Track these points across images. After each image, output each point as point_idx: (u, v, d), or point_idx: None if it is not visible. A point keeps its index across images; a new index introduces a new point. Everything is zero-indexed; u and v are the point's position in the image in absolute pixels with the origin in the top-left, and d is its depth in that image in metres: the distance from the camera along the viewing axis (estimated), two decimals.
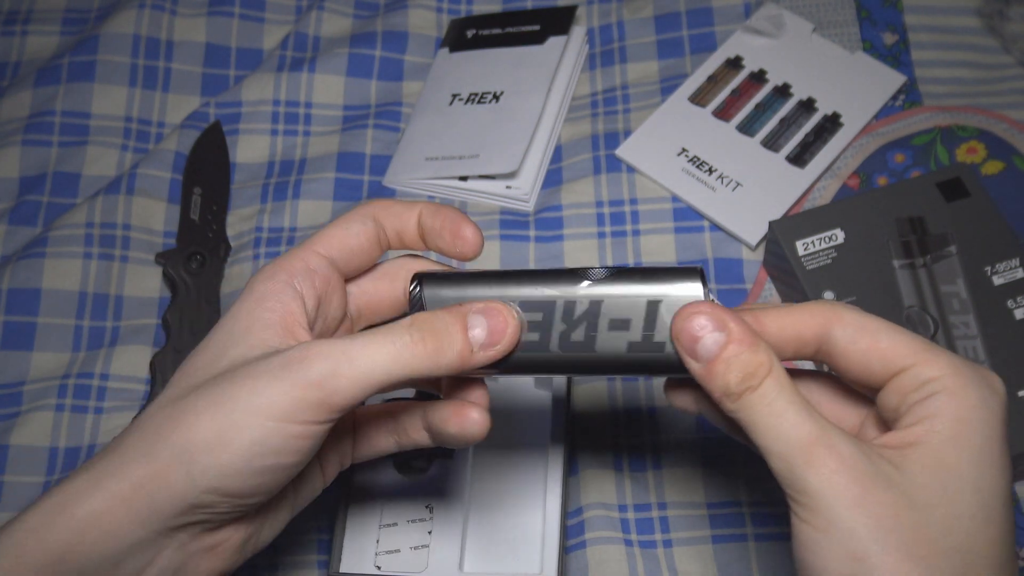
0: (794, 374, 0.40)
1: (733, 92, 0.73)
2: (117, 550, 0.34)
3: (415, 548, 0.57)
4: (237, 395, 0.35)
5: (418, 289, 0.40)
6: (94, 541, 0.34)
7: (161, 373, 0.64)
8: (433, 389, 0.49)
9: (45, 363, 0.66)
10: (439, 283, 0.40)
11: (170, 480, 0.34)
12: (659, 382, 0.64)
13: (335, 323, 0.44)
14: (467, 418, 0.40)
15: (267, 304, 0.39)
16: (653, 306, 0.37)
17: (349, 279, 0.45)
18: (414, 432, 0.43)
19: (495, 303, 0.37)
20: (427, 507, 0.58)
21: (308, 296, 0.40)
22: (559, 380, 0.62)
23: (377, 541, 0.57)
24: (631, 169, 0.72)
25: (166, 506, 0.34)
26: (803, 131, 0.71)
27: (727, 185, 0.70)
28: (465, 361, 0.36)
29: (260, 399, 0.34)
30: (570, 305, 0.38)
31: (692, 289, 0.37)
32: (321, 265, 0.41)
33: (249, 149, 0.75)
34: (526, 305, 0.38)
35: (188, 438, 0.35)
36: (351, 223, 0.42)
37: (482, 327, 0.37)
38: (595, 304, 0.38)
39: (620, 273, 0.38)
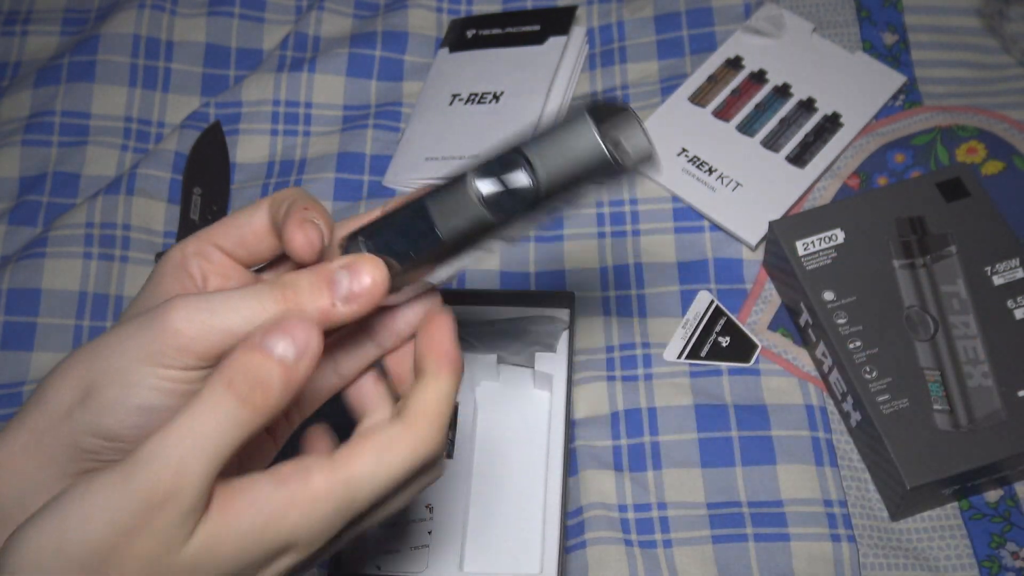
0: None
1: (733, 92, 0.73)
2: (21, 491, 0.36)
3: (415, 548, 0.57)
4: (110, 343, 0.36)
5: (344, 247, 0.39)
6: (5, 482, 0.37)
7: None
8: None
9: (45, 363, 0.66)
10: (360, 233, 0.39)
11: (56, 426, 0.36)
12: (660, 382, 0.64)
13: None
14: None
15: (163, 286, 0.40)
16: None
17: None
18: (354, 358, 0.42)
19: (358, 259, 0.37)
20: (427, 507, 0.58)
21: (200, 281, 0.40)
22: (559, 380, 0.62)
23: (377, 541, 0.57)
24: None
25: (56, 451, 0.36)
26: (803, 131, 0.71)
27: (727, 185, 0.69)
28: (328, 316, 0.36)
29: (128, 342, 0.35)
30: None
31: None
32: (213, 254, 0.41)
33: (249, 149, 0.75)
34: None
35: (71, 385, 0.36)
36: (240, 213, 0.41)
37: (346, 282, 0.36)
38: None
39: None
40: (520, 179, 0.35)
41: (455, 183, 0.36)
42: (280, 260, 0.43)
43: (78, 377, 0.36)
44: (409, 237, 0.37)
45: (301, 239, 0.38)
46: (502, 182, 0.36)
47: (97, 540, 0.31)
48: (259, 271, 0.44)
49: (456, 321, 0.39)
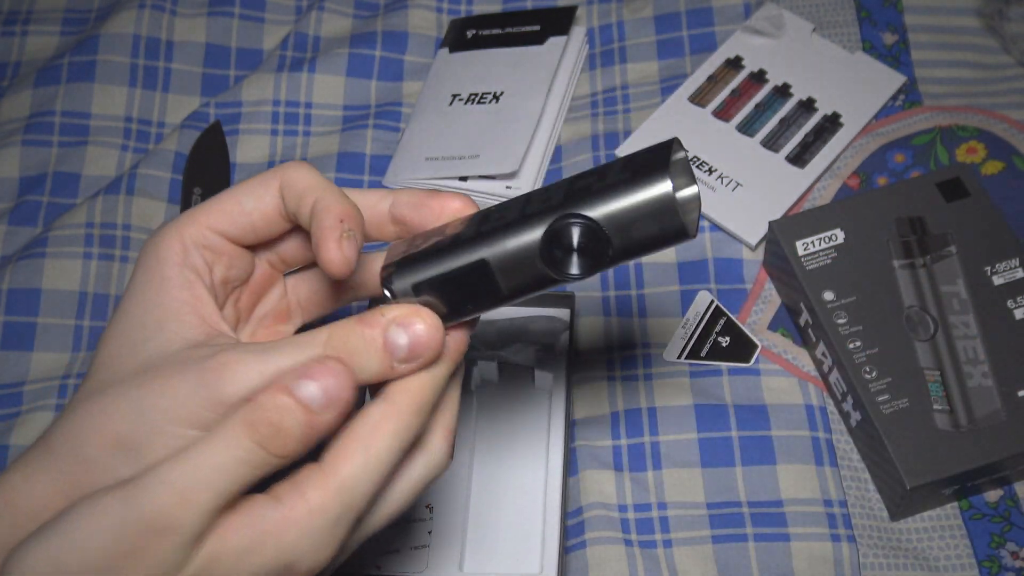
0: None
1: (733, 92, 0.73)
2: None
3: (415, 548, 0.57)
4: (155, 402, 0.34)
5: (389, 282, 0.37)
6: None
7: None
8: None
9: (45, 363, 0.66)
10: (408, 271, 0.37)
11: (95, 479, 0.34)
12: (660, 382, 0.64)
13: (273, 314, 0.42)
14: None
15: (173, 292, 0.37)
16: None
17: (290, 269, 0.43)
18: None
19: (416, 312, 0.35)
20: (427, 507, 0.58)
21: (207, 275, 0.38)
22: (559, 380, 0.62)
23: (377, 541, 0.57)
24: None
25: None
26: (803, 131, 0.71)
27: (727, 185, 0.70)
28: (387, 375, 0.35)
29: (178, 407, 0.33)
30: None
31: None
32: (216, 241, 0.38)
33: (249, 149, 0.75)
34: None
35: (111, 441, 0.34)
36: (243, 194, 0.38)
37: (404, 339, 0.34)
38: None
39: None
40: (594, 250, 0.34)
41: (522, 244, 0.35)
42: (289, 235, 0.41)
43: (118, 434, 0.34)
44: (465, 289, 0.36)
45: (339, 258, 0.36)
46: (575, 250, 0.34)
47: (96, 560, 0.31)
48: (287, 273, 0.43)
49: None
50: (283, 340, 0.35)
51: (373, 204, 0.40)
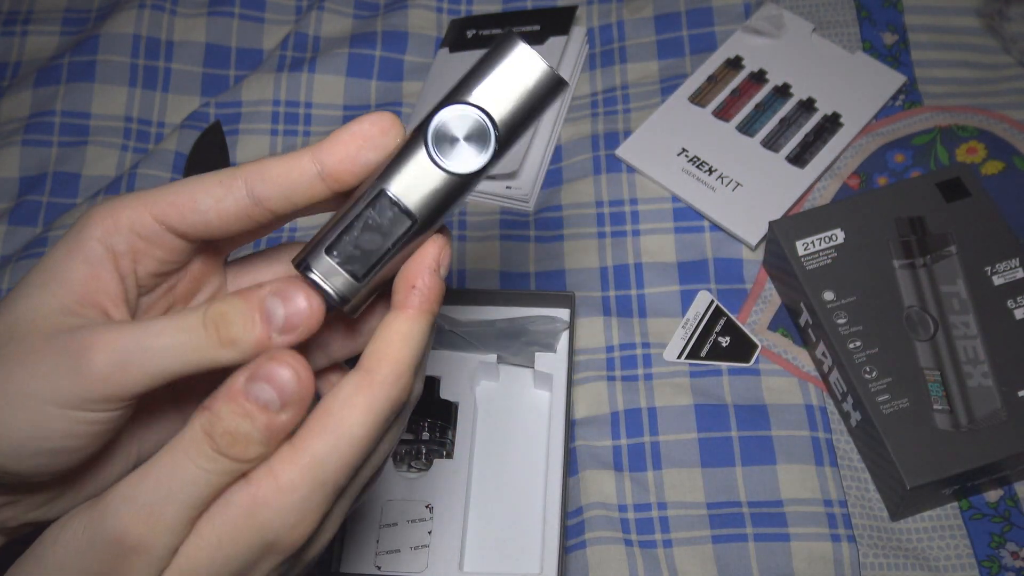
0: None
1: (733, 92, 0.73)
2: None
3: (415, 548, 0.57)
4: (19, 375, 0.32)
5: (302, 262, 0.36)
6: None
7: None
8: None
9: None
10: (319, 243, 0.36)
11: None
12: (660, 382, 0.64)
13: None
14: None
15: (74, 262, 0.35)
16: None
17: (231, 258, 0.41)
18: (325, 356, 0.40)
19: (290, 284, 0.34)
20: (427, 507, 0.58)
21: (127, 261, 0.35)
22: (559, 380, 0.62)
23: (377, 541, 0.57)
24: (631, 169, 0.72)
25: None
26: (803, 131, 0.71)
27: (727, 185, 0.69)
28: (264, 346, 0.33)
29: (41, 384, 0.32)
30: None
31: None
32: (156, 233, 0.35)
33: (249, 149, 0.75)
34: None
35: None
36: (201, 195, 0.36)
37: (280, 310, 0.33)
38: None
39: None
40: (479, 129, 0.35)
41: (410, 158, 0.35)
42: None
43: None
44: (379, 231, 0.35)
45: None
46: (463, 138, 0.35)
47: None
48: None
49: (449, 247, 0.37)
50: (159, 317, 0.33)
51: (299, 168, 0.36)
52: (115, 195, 0.37)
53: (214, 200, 0.36)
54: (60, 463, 0.34)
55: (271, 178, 0.36)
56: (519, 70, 0.34)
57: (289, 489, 0.32)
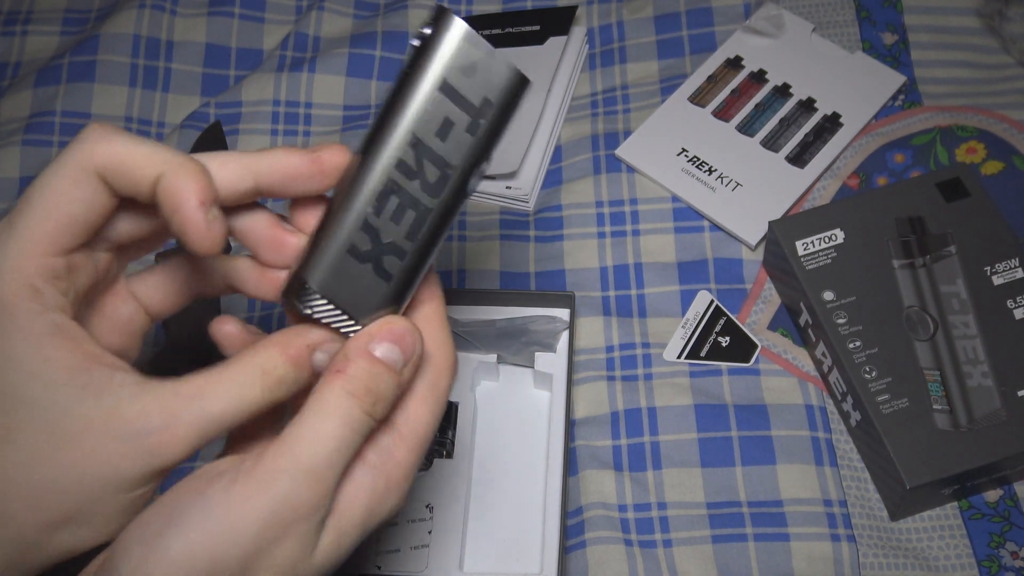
0: None
1: (733, 92, 0.74)
2: None
3: (415, 548, 0.57)
4: (94, 471, 0.32)
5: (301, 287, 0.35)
6: None
7: (161, 374, 0.64)
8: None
9: None
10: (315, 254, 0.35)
11: (34, 558, 0.33)
12: (660, 382, 0.64)
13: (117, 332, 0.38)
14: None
15: (46, 352, 0.32)
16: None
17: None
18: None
19: (343, 341, 0.35)
20: (427, 507, 0.58)
21: (69, 305, 0.34)
22: (559, 380, 0.62)
23: (377, 541, 0.58)
24: (631, 169, 0.72)
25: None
26: (803, 131, 0.71)
27: (727, 185, 0.70)
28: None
29: (117, 476, 0.32)
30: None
31: None
32: (61, 265, 0.33)
33: (249, 149, 0.75)
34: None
35: (53, 519, 0.32)
36: (69, 206, 0.33)
37: (327, 355, 0.35)
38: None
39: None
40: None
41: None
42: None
43: (61, 512, 0.32)
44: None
45: (206, 233, 0.33)
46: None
47: (246, 550, 0.32)
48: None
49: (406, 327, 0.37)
50: (206, 378, 0.33)
51: (231, 183, 0.35)
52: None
53: (83, 205, 0.33)
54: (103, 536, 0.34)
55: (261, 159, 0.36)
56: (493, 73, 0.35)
57: (405, 464, 0.35)
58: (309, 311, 0.35)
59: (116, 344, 0.38)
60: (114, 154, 0.33)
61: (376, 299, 0.35)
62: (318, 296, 0.35)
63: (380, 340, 0.35)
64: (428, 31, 0.34)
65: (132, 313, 0.39)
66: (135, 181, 0.33)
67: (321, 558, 0.33)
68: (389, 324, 0.35)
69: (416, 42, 0.34)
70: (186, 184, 0.32)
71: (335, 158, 0.36)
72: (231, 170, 0.34)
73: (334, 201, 0.35)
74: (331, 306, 0.35)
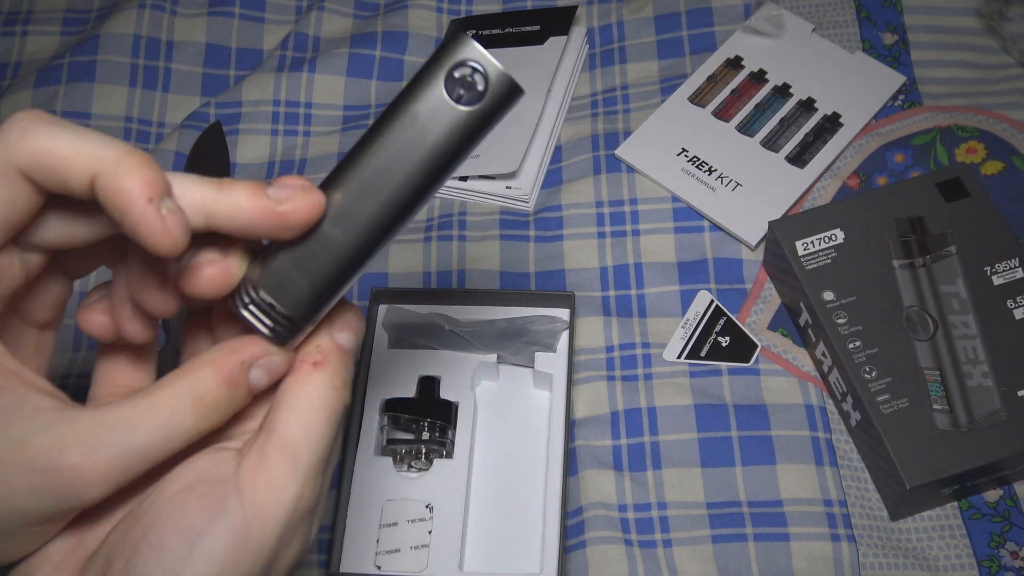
0: None
1: (733, 92, 0.73)
2: None
3: (415, 548, 0.57)
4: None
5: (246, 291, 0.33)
6: None
7: (160, 374, 0.64)
8: None
9: None
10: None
11: None
12: (660, 382, 0.64)
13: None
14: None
15: None
16: None
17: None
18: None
19: (278, 356, 0.33)
20: (427, 507, 0.58)
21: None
22: (559, 380, 0.62)
23: (377, 541, 0.57)
24: (631, 169, 0.72)
25: None
26: (803, 131, 0.71)
27: (727, 185, 0.70)
28: (243, 403, 0.33)
29: (30, 516, 0.30)
30: None
31: None
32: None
33: (249, 149, 0.75)
34: None
35: None
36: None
37: (265, 380, 0.33)
38: None
39: None
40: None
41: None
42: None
43: None
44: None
45: (162, 229, 0.29)
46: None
47: (267, 560, 0.31)
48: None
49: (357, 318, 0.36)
50: (131, 407, 0.31)
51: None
52: None
53: (4, 205, 0.30)
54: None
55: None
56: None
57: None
58: (250, 313, 0.33)
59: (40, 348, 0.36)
60: (38, 151, 0.29)
61: (309, 308, 0.34)
62: (267, 297, 0.33)
63: (340, 329, 0.34)
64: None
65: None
66: (65, 180, 0.29)
67: (311, 543, 0.34)
68: (344, 313, 0.35)
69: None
70: (129, 181, 0.28)
71: (302, 215, 0.32)
72: (185, 203, 0.30)
73: None
74: (275, 309, 0.33)
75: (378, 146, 0.32)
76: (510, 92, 0.32)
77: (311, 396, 0.32)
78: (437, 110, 0.32)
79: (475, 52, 0.32)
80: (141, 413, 0.30)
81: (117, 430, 0.30)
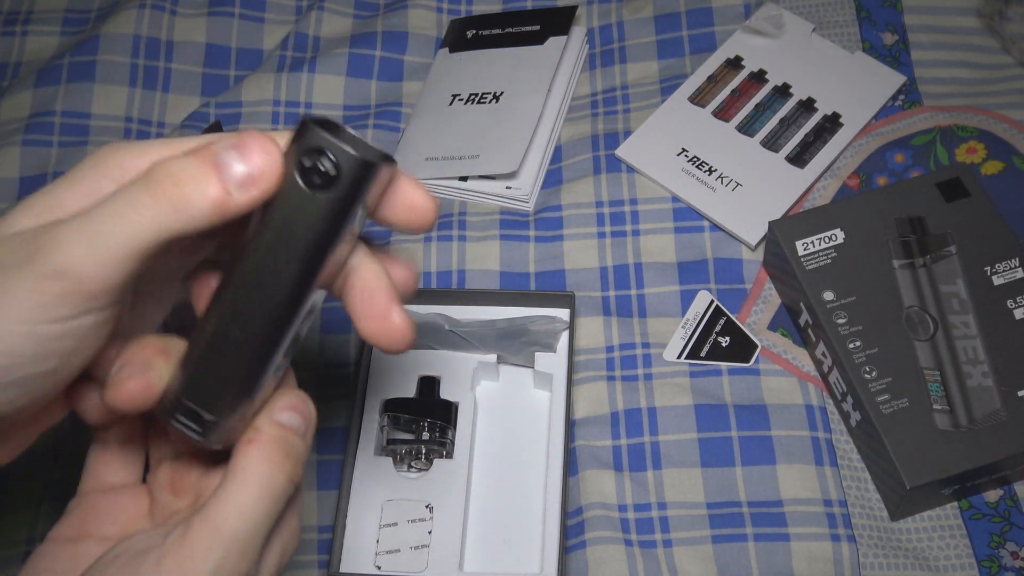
0: None
1: (733, 92, 0.74)
2: None
3: (415, 548, 0.57)
4: None
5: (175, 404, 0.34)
6: None
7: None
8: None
9: None
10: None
11: None
12: (660, 382, 0.64)
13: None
14: None
15: (72, 192, 0.32)
16: None
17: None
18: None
19: (247, 134, 0.31)
20: (427, 507, 0.58)
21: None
22: (559, 380, 0.62)
23: (377, 541, 0.58)
24: (631, 169, 0.72)
25: None
26: (803, 131, 0.71)
27: (727, 185, 0.70)
28: (224, 205, 0.31)
29: (4, 302, 0.29)
30: None
31: None
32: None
33: None
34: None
35: None
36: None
37: (239, 161, 0.31)
38: None
39: None
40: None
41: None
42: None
43: None
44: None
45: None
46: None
47: None
48: None
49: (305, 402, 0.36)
50: (104, 199, 0.31)
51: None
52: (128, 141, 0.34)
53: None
54: (33, 393, 0.31)
55: None
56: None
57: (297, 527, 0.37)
58: (178, 422, 0.34)
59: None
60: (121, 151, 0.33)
61: (229, 406, 0.34)
62: (189, 403, 0.34)
63: (281, 410, 0.35)
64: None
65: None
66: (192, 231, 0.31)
67: None
68: (284, 397, 0.35)
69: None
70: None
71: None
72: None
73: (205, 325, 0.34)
74: (198, 414, 0.34)
75: (256, 243, 0.33)
76: (362, 170, 0.32)
77: (244, 469, 0.33)
78: (299, 200, 0.32)
79: (320, 139, 0.31)
80: (108, 201, 0.31)
81: (85, 217, 0.30)
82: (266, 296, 0.33)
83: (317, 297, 0.34)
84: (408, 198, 0.34)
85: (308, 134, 0.32)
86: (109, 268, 0.30)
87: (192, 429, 0.34)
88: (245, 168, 0.31)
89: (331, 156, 0.31)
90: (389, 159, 0.33)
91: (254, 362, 0.34)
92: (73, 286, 0.30)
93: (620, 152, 0.72)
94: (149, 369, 0.33)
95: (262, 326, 0.33)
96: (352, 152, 0.31)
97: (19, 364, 0.30)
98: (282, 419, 0.35)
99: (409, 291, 0.36)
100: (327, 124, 0.32)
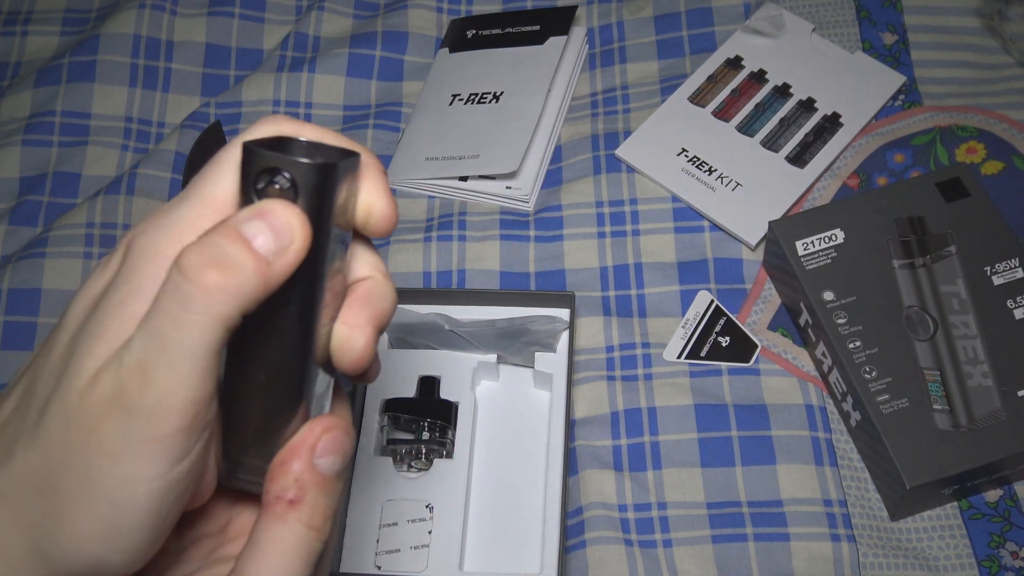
0: None
1: (733, 92, 0.74)
2: None
3: (415, 548, 0.57)
4: (104, 469, 0.28)
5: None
6: None
7: None
8: None
9: None
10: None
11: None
12: (660, 382, 0.64)
13: None
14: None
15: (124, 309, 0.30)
16: None
17: None
18: None
19: (264, 203, 0.29)
20: (427, 507, 0.58)
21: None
22: (559, 380, 0.62)
23: (377, 541, 0.58)
24: (631, 169, 0.72)
25: None
26: (803, 131, 0.71)
27: (727, 185, 0.70)
28: (268, 277, 0.29)
29: (125, 466, 0.28)
30: None
31: None
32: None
33: None
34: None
35: (55, 534, 0.28)
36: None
37: (264, 232, 0.29)
38: None
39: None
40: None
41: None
42: None
43: (79, 523, 0.28)
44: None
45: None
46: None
47: None
48: None
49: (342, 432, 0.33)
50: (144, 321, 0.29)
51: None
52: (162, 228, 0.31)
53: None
54: (162, 534, 0.30)
55: None
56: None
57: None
58: (241, 481, 0.33)
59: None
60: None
61: (275, 447, 0.32)
62: (247, 459, 0.32)
63: (323, 454, 0.31)
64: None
65: None
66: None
67: None
68: (327, 433, 0.31)
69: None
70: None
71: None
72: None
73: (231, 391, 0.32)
74: (256, 464, 0.32)
75: None
76: (321, 175, 0.30)
77: (285, 538, 0.30)
78: None
79: (266, 159, 0.29)
80: (153, 319, 0.28)
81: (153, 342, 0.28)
82: (279, 332, 0.31)
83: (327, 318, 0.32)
84: (365, 202, 0.32)
85: (253, 158, 0.30)
86: (189, 389, 0.28)
87: (255, 483, 0.32)
88: (274, 236, 0.29)
89: (282, 172, 0.30)
90: (348, 155, 0.31)
91: (284, 402, 0.32)
92: (172, 424, 0.28)
93: (620, 152, 0.72)
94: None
95: (280, 363, 0.32)
96: (301, 160, 0.30)
97: (160, 522, 0.29)
98: (323, 466, 0.31)
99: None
100: (277, 142, 0.31)
